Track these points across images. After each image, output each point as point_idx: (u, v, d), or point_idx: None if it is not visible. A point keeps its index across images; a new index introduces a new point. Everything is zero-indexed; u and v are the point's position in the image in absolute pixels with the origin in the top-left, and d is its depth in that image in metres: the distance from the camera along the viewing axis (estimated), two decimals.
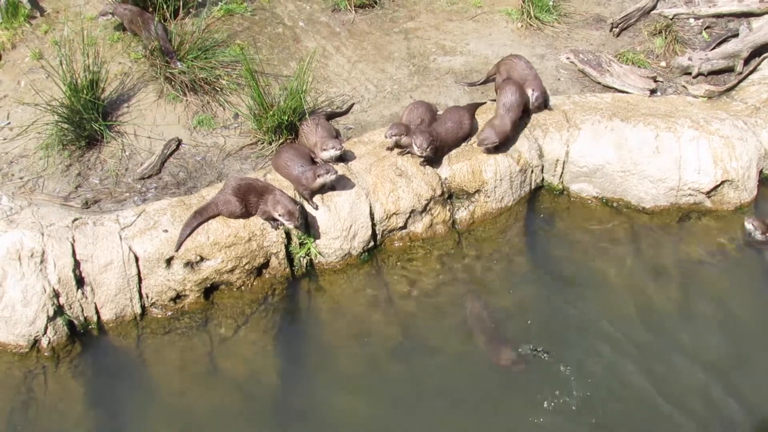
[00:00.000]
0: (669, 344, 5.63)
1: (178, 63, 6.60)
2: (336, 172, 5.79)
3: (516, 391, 5.37)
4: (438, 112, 6.54)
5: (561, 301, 5.90)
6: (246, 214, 5.69)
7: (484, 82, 6.99)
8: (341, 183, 5.93)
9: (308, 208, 5.85)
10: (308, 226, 5.85)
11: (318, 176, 5.75)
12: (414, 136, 6.01)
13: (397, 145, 6.14)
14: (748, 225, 6.29)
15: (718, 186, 6.40)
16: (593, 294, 5.97)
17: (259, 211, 5.69)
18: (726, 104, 6.98)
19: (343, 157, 6.09)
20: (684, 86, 7.20)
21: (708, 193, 6.42)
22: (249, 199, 5.65)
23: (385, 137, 6.11)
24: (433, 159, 6.16)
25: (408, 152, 6.14)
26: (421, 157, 6.06)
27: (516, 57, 6.70)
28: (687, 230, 6.39)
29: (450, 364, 5.52)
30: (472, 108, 6.56)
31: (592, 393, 5.31)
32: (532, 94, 6.46)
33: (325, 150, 6.01)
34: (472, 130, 6.38)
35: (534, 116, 6.55)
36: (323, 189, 5.87)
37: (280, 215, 5.58)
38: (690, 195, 6.43)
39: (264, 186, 5.72)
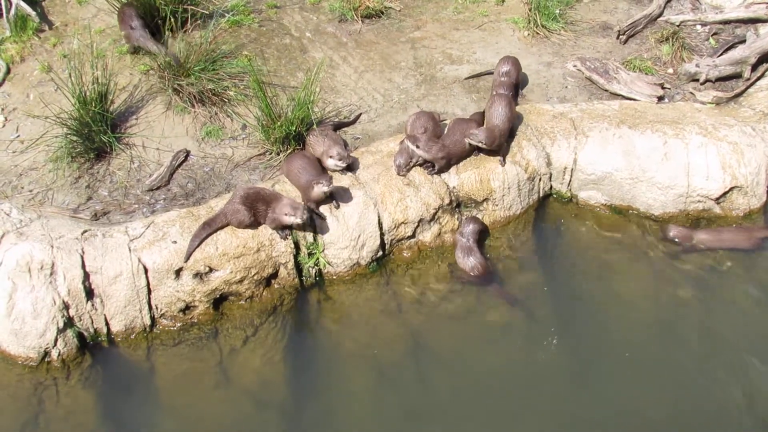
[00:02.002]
0: (679, 349, 5.62)
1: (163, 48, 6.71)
2: (332, 183, 5.74)
3: (527, 399, 5.36)
4: (444, 121, 6.56)
5: (570, 307, 5.89)
6: (255, 223, 5.69)
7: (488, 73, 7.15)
8: (348, 193, 5.94)
9: (316, 218, 5.86)
10: (316, 236, 5.86)
11: (314, 185, 5.73)
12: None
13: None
14: (671, 233, 6.25)
15: (727, 192, 6.38)
16: (603, 300, 5.96)
17: (267, 219, 5.69)
18: (734, 110, 6.95)
19: (350, 167, 6.10)
20: (692, 93, 7.19)
21: (717, 200, 6.40)
22: (257, 207, 5.65)
23: (401, 175, 6.10)
24: (441, 169, 6.18)
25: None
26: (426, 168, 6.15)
27: (509, 57, 6.87)
28: None
29: (460, 373, 5.51)
30: (479, 118, 6.55)
31: (609, 403, 5.31)
32: (503, 68, 6.73)
33: (330, 158, 6.01)
34: None
35: (541, 124, 6.56)
36: (325, 199, 5.86)
37: (286, 214, 5.60)
38: (699, 201, 6.41)
39: (272, 194, 5.72)
